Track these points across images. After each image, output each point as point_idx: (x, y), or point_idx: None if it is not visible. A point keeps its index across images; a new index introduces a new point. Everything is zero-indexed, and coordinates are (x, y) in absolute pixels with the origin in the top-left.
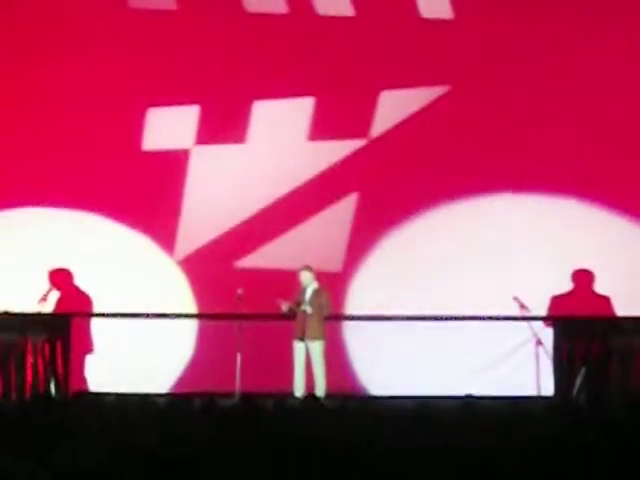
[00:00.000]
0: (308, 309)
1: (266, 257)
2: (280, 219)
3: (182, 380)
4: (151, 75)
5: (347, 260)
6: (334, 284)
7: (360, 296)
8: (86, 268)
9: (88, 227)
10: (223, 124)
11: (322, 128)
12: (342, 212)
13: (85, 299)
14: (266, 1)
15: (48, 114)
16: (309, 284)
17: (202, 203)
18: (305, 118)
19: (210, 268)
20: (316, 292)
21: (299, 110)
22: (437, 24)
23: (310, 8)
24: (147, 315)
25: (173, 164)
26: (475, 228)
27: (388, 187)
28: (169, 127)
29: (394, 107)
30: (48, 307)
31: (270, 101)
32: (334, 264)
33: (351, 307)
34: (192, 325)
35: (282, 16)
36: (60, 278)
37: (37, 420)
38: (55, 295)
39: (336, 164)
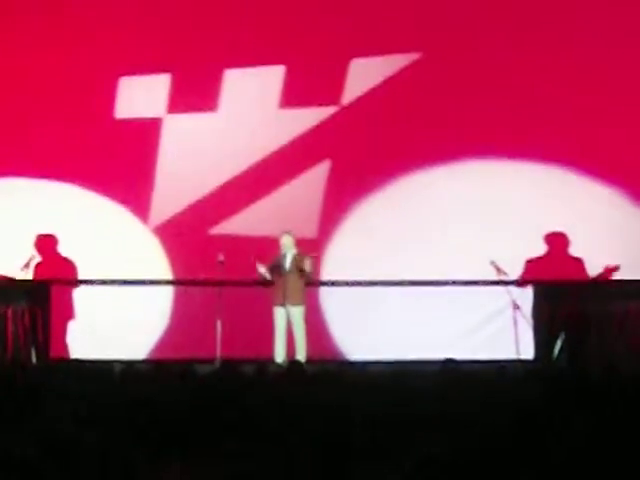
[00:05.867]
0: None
1: (240, 224)
2: (253, 186)
3: (162, 346)
4: (122, 44)
5: (321, 226)
6: (309, 250)
7: (335, 262)
8: (61, 237)
9: (62, 196)
10: (195, 92)
11: (293, 96)
12: (315, 179)
13: (69, 266)
14: None
15: (21, 86)
16: (289, 249)
17: (175, 171)
18: (276, 86)
19: (185, 235)
20: (296, 257)
21: (270, 78)
22: None
23: None
24: (127, 282)
25: (146, 132)
26: (449, 194)
27: (360, 154)
28: (141, 96)
29: (365, 74)
30: (30, 274)
31: (241, 69)
32: (308, 231)
33: (327, 273)
34: (169, 292)
35: None
36: (44, 244)
37: (16, 386)
38: (37, 262)
39: (308, 131)
